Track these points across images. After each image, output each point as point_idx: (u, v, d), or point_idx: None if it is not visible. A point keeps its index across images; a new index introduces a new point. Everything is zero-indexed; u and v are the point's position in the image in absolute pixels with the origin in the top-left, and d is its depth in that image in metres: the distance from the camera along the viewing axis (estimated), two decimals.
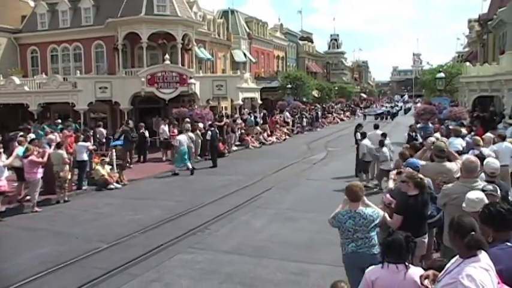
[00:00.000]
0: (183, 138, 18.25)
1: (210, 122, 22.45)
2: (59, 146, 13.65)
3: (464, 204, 4.93)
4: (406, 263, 3.96)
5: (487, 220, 3.70)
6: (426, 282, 3.68)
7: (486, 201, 4.90)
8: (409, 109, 71.18)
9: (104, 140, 20.92)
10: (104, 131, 21.83)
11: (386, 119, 50.99)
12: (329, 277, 7.32)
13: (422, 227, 6.02)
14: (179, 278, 7.51)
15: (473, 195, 4.92)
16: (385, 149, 13.80)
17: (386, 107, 64.57)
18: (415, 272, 3.92)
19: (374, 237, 5.48)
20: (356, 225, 5.37)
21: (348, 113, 56.76)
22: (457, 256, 3.34)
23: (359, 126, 17.45)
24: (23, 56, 31.31)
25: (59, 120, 23.04)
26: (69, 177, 13.88)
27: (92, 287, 7.27)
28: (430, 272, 3.76)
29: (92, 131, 19.62)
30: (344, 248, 5.53)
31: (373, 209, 5.59)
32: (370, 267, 4.07)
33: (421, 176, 6.13)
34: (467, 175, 5.76)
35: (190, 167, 17.89)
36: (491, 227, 3.66)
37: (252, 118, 29.74)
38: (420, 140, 14.79)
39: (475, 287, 3.01)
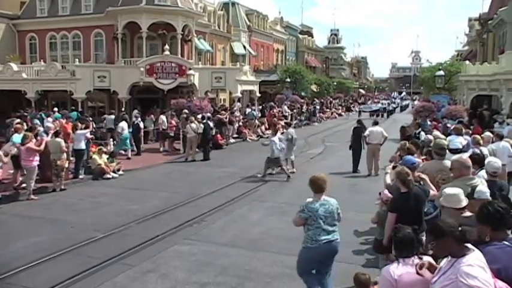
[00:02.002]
0: (125, 125, 19.25)
1: (208, 115, 22.39)
2: (56, 134, 13.59)
3: (442, 200, 4.99)
4: (418, 254, 3.97)
5: (485, 219, 3.70)
6: (423, 270, 3.68)
7: (463, 197, 4.92)
8: (406, 106, 70.73)
9: (113, 127, 21.00)
10: (112, 117, 21.81)
11: (382, 116, 49.67)
12: None
13: (419, 225, 6.01)
14: (175, 269, 7.51)
15: (450, 190, 5.01)
16: (275, 139, 14.97)
17: (382, 103, 63.43)
18: (429, 260, 3.91)
19: (337, 225, 5.83)
20: (327, 211, 5.68)
21: (344, 109, 56.50)
22: (449, 257, 3.34)
23: (360, 122, 17.45)
24: (21, 43, 31.14)
25: (56, 109, 22.96)
26: (66, 165, 13.83)
27: (87, 276, 7.26)
28: (426, 261, 3.76)
29: (90, 118, 19.56)
30: (314, 239, 5.65)
31: (333, 199, 5.90)
32: (386, 267, 4.02)
33: (409, 172, 6.06)
34: (468, 172, 5.80)
35: (130, 154, 18.91)
36: (489, 226, 3.66)
37: (253, 112, 29.70)
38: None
39: (479, 283, 3.02)
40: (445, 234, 3.30)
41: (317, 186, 5.77)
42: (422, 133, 14.67)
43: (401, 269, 3.88)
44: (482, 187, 5.53)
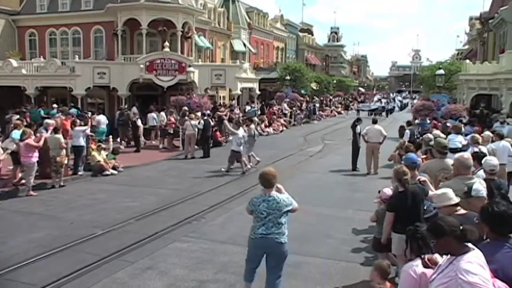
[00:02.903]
0: (102, 118, 19.70)
1: (208, 112, 22.37)
2: (56, 130, 13.58)
3: (434, 203, 5.02)
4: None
5: (486, 218, 3.67)
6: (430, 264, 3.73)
7: (452, 195, 4.91)
8: (406, 105, 70.65)
9: (155, 124, 22.24)
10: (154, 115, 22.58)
11: (381, 115, 49.42)
12: (324, 270, 7.38)
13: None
14: (174, 266, 7.51)
15: (439, 191, 5.08)
16: (239, 132, 15.61)
17: (381, 102, 62.90)
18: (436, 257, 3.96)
19: (284, 225, 5.74)
20: (269, 208, 5.61)
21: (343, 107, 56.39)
22: (448, 255, 3.33)
23: (358, 120, 17.46)
24: (21, 39, 31.07)
25: (55, 105, 22.93)
26: (66, 162, 13.82)
27: (86, 273, 7.25)
28: (434, 256, 3.77)
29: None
30: (254, 232, 5.71)
31: (287, 196, 5.83)
32: (409, 264, 4.03)
33: (406, 171, 6.06)
34: (466, 172, 5.80)
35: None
36: (487, 226, 3.65)
37: (253, 109, 29.72)
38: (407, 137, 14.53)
39: (479, 280, 3.02)
40: (445, 233, 3.28)
41: (265, 181, 5.69)
42: (407, 131, 14.78)
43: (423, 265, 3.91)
44: (478, 185, 5.55)
